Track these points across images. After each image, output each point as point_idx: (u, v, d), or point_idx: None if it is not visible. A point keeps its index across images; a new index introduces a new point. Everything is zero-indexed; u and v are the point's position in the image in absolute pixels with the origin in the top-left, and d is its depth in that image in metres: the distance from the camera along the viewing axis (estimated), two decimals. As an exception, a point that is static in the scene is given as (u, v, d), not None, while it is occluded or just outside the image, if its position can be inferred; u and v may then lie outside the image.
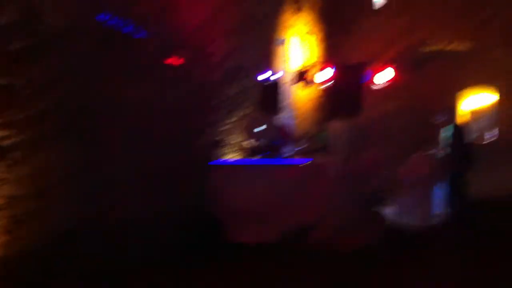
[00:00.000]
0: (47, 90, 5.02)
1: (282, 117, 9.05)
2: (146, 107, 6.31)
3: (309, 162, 7.75)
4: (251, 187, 7.17)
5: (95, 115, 5.60)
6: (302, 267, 6.18)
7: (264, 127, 7.81)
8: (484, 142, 13.63)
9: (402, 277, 5.79)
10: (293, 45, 10.46)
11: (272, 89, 8.34)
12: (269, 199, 7.06)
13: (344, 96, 8.72)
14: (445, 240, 7.43)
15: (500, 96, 14.72)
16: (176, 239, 6.25)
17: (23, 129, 4.80)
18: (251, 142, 8.21)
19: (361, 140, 9.80)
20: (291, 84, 10.22)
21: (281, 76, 8.56)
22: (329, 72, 9.12)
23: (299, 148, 8.97)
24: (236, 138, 8.43)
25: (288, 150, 8.55)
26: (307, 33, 11.22)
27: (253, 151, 8.11)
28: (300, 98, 10.89)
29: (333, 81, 9.03)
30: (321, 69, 9.35)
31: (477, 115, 14.43)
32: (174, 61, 6.96)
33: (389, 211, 8.78)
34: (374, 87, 9.99)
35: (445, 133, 8.76)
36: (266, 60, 9.43)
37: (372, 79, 9.43)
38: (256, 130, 8.01)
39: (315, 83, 9.61)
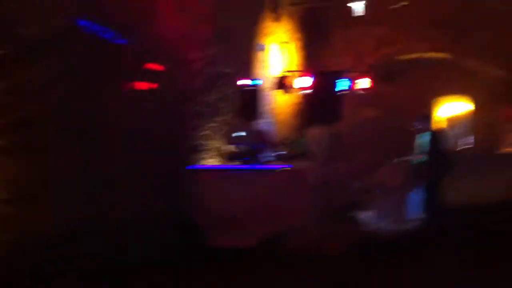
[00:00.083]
0: (30, 96, 5.03)
1: (262, 123, 9.12)
2: (125, 113, 6.32)
3: (288, 168, 7.82)
4: (230, 192, 7.19)
5: (73, 121, 5.60)
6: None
7: (243, 132, 7.87)
8: (459, 150, 13.91)
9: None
10: (273, 52, 10.57)
11: (252, 95, 8.40)
12: (247, 204, 7.09)
13: (323, 103, 8.83)
14: (427, 244, 7.44)
15: (475, 105, 15.06)
16: (156, 244, 6.24)
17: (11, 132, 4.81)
18: (231, 148, 8.25)
19: (339, 147, 9.93)
20: (271, 91, 10.32)
21: (261, 83, 8.64)
22: (308, 79, 9.22)
23: (278, 154, 9.04)
24: (215, 143, 8.47)
25: (267, 156, 8.61)
26: (287, 40, 11.34)
27: (232, 157, 8.15)
28: (280, 105, 10.99)
29: (311, 88, 9.13)
30: (300, 76, 9.46)
31: (452, 123, 14.74)
32: (154, 67, 6.99)
33: (365, 216, 8.91)
34: (352, 95, 10.14)
35: (422, 140, 8.91)
36: (246, 66, 9.51)
37: (350, 87, 9.57)
38: (235, 135, 8.06)
39: (294, 89, 9.71)
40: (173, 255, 6.11)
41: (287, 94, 10.56)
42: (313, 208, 7.55)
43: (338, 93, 8.98)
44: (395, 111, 13.44)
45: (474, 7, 12.25)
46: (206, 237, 6.94)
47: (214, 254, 6.51)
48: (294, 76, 9.62)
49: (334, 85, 8.98)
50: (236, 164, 7.94)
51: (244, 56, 9.58)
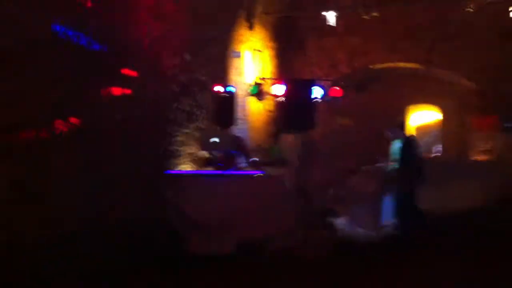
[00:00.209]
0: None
1: (236, 130, 9.15)
2: (99, 118, 6.28)
3: (262, 174, 7.85)
4: (204, 198, 7.17)
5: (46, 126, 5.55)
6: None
7: (218, 139, 7.88)
8: (430, 157, 14.13)
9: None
10: (248, 60, 10.63)
11: (226, 102, 8.43)
12: (221, 210, 7.08)
13: (297, 111, 8.89)
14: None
15: (445, 114, 15.35)
16: (131, 250, 6.18)
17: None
18: (206, 153, 8.26)
19: (313, 154, 10.01)
20: (245, 98, 10.37)
21: (235, 90, 8.69)
22: (281, 87, 9.29)
23: (252, 160, 9.08)
24: (190, 149, 8.47)
25: (242, 162, 8.64)
26: (261, 48, 11.43)
27: (207, 163, 8.16)
28: (254, 112, 11.05)
29: (285, 96, 9.20)
30: (274, 84, 9.52)
31: (423, 131, 14.99)
32: (129, 74, 6.97)
33: (341, 221, 8.99)
34: (326, 103, 10.24)
35: (395, 147, 9.02)
36: (221, 73, 9.55)
37: (324, 95, 9.66)
38: (210, 142, 8.07)
39: (268, 97, 9.78)
40: (151, 261, 6.06)
41: (261, 101, 10.63)
42: (288, 214, 7.58)
43: (312, 101, 9.05)
44: (367, 119, 13.63)
45: (445, 19, 12.53)
46: (183, 243, 6.89)
47: (191, 261, 6.47)
48: (268, 84, 9.69)
49: (308, 93, 9.03)
50: (210, 170, 7.94)
51: (218, 63, 9.62)
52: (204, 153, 8.30)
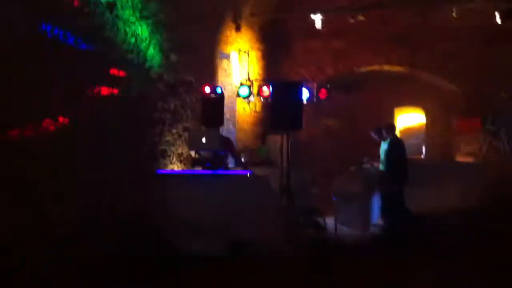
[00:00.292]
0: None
1: (224, 130, 9.18)
2: (87, 118, 6.27)
3: (250, 174, 7.88)
4: (192, 198, 7.19)
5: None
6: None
7: (206, 139, 7.89)
8: (415, 159, 14.25)
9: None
10: (235, 61, 10.68)
11: (214, 102, 8.45)
12: (210, 209, 7.10)
13: (284, 112, 8.93)
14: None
15: (428, 116, 15.53)
16: (119, 250, 6.16)
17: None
18: (194, 154, 8.27)
19: (300, 155, 10.07)
20: (233, 98, 10.40)
21: (222, 90, 8.72)
22: (269, 88, 9.34)
23: (241, 160, 9.11)
24: (178, 149, 8.48)
25: (229, 162, 8.67)
26: (249, 50, 11.48)
27: (194, 163, 8.17)
28: (242, 112, 11.10)
29: (273, 97, 9.24)
30: (262, 85, 9.57)
31: (408, 133, 15.13)
32: (116, 73, 6.96)
33: (327, 221, 9.03)
34: (312, 105, 10.30)
35: (380, 148, 9.13)
36: (209, 74, 9.58)
37: (310, 96, 9.72)
38: (197, 142, 8.07)
39: (256, 98, 9.82)
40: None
41: (248, 102, 10.67)
42: (274, 214, 7.62)
43: (299, 102, 9.10)
44: (353, 121, 13.75)
45: (430, 22, 12.71)
46: (171, 243, 6.87)
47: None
48: (256, 85, 9.74)
49: (294, 95, 9.08)
50: (198, 170, 7.96)
51: (206, 64, 9.65)
52: (192, 154, 8.31)
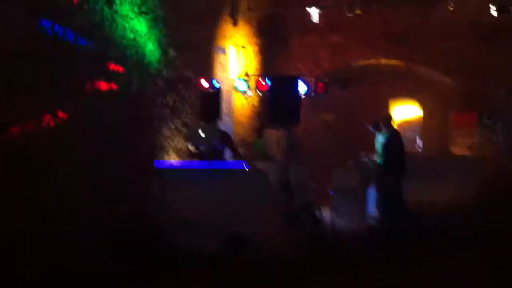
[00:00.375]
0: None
1: (222, 124, 9.23)
2: (85, 114, 6.30)
3: (248, 168, 7.94)
4: (191, 192, 7.21)
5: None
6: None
7: (203, 133, 7.95)
8: (411, 152, 14.33)
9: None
10: (232, 55, 10.72)
11: (213, 96, 8.51)
12: (210, 203, 7.12)
13: (281, 106, 8.99)
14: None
15: (425, 110, 15.59)
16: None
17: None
18: (191, 148, 8.33)
19: (297, 149, 10.13)
20: (231, 93, 10.45)
21: (220, 85, 8.77)
22: (266, 82, 9.39)
23: (239, 154, 9.16)
24: (177, 143, 8.53)
25: (227, 156, 8.72)
26: (246, 44, 11.52)
27: (194, 156, 8.24)
28: (239, 106, 11.14)
29: (270, 91, 9.30)
30: (259, 79, 9.61)
31: (405, 127, 15.19)
32: (115, 69, 6.99)
33: (324, 215, 9.12)
34: (309, 99, 10.37)
35: (377, 142, 9.16)
36: (207, 68, 9.62)
37: (308, 91, 9.78)
38: (196, 136, 8.14)
39: (253, 92, 9.88)
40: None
41: (246, 97, 10.72)
42: (272, 207, 7.68)
43: (296, 97, 9.16)
44: (350, 115, 13.80)
45: (427, 17, 12.76)
46: (170, 239, 6.89)
47: (179, 261, 6.41)
48: (253, 79, 9.78)
49: (292, 89, 9.15)
50: (198, 163, 8.01)
51: (203, 59, 9.69)
52: (190, 148, 8.37)
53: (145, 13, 7.63)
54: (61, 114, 5.87)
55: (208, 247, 6.73)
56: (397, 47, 13.30)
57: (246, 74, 10.21)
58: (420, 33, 12.98)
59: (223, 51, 10.41)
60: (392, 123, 9.20)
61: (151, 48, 7.89)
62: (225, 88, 9.87)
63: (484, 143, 12.05)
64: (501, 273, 5.95)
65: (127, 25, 7.20)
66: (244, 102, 11.29)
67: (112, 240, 6.12)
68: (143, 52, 7.69)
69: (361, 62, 13.80)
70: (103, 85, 6.76)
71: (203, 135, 7.88)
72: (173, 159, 8.39)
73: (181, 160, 8.49)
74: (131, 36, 7.30)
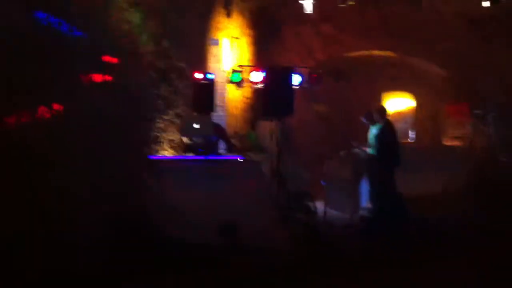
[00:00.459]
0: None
1: (215, 116, 9.24)
2: (79, 105, 6.30)
3: (242, 159, 7.98)
4: (186, 183, 7.25)
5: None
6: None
7: (197, 125, 7.96)
8: (404, 143, 14.44)
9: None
10: (226, 47, 10.71)
11: (206, 88, 8.50)
12: (204, 194, 7.16)
13: (274, 98, 9.00)
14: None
15: (417, 101, 15.68)
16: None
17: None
18: (185, 140, 8.35)
19: (290, 140, 10.18)
20: (224, 84, 10.45)
21: (213, 76, 8.77)
22: (260, 73, 9.39)
23: (233, 146, 9.19)
24: (171, 135, 8.55)
25: (221, 148, 8.75)
26: (239, 35, 11.50)
27: (186, 148, 8.25)
28: (232, 98, 11.15)
29: (264, 83, 9.31)
30: (253, 71, 9.61)
31: (397, 118, 15.28)
32: (108, 60, 6.98)
33: (317, 205, 9.19)
34: (302, 90, 10.38)
35: (371, 132, 9.19)
36: (200, 60, 9.62)
37: (301, 82, 9.80)
38: (189, 128, 8.15)
39: (246, 84, 9.88)
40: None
41: (239, 88, 10.72)
42: (266, 198, 7.73)
43: (290, 88, 9.18)
44: (343, 106, 13.86)
45: (418, 8, 12.78)
46: (166, 232, 6.89)
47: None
48: (247, 71, 9.78)
49: (286, 80, 9.15)
50: (191, 155, 8.04)
51: (197, 50, 9.68)
52: (184, 139, 8.39)
53: (138, 4, 7.61)
54: (56, 106, 5.88)
55: (200, 234, 6.73)
56: (389, 38, 13.34)
57: (240, 66, 10.20)
58: (411, 23, 13.01)
59: (217, 42, 10.39)
60: (385, 113, 9.18)
61: (144, 40, 7.88)
62: (218, 80, 9.87)
63: (476, 134, 12.14)
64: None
65: (120, 16, 7.18)
66: (237, 93, 11.30)
67: (111, 233, 6.13)
68: (137, 43, 7.68)
69: (354, 53, 13.84)
70: (97, 76, 6.76)
71: (197, 127, 7.89)
72: (166, 152, 8.41)
73: (174, 154, 8.51)
74: (125, 27, 7.29)
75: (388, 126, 9.02)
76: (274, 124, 9.22)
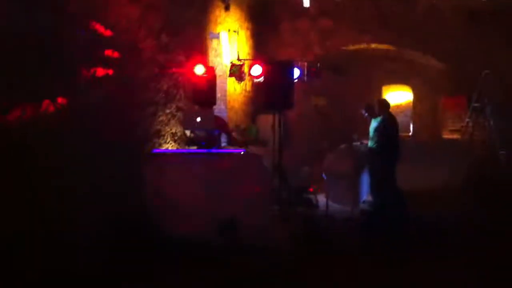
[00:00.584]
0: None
1: (215, 110, 9.24)
2: (82, 99, 6.28)
3: (243, 152, 7.98)
4: (186, 176, 7.24)
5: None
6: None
7: (198, 119, 7.96)
8: (402, 136, 14.49)
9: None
10: (225, 41, 10.69)
11: (207, 82, 8.49)
12: (205, 187, 7.16)
13: (274, 91, 9.00)
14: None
15: (415, 94, 15.74)
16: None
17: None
18: (186, 133, 8.35)
19: (291, 133, 10.20)
20: (224, 78, 10.45)
21: (215, 70, 8.76)
22: (260, 67, 9.39)
23: (234, 139, 9.20)
24: (172, 129, 8.54)
25: (222, 141, 8.75)
26: (238, 29, 11.49)
27: (187, 142, 8.25)
28: (232, 92, 11.15)
29: (264, 77, 9.31)
30: (252, 64, 9.60)
31: (396, 111, 15.33)
32: (107, 55, 6.96)
33: (318, 198, 9.21)
34: (301, 84, 10.39)
35: (371, 126, 9.21)
36: (200, 54, 9.60)
37: (300, 76, 9.80)
38: (190, 121, 8.14)
39: (247, 77, 9.87)
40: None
41: (239, 82, 10.72)
42: (267, 191, 7.74)
43: (290, 82, 9.18)
44: (342, 99, 13.89)
45: (416, 1, 12.82)
46: (163, 225, 6.87)
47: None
48: (246, 64, 9.78)
49: (285, 74, 9.15)
50: (192, 149, 8.04)
51: (196, 44, 9.66)
52: (186, 133, 8.39)
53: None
54: (56, 105, 5.86)
55: (204, 234, 6.76)
56: (388, 32, 13.38)
57: (240, 59, 10.19)
58: (409, 17, 13.04)
59: (216, 36, 10.38)
60: (388, 106, 9.14)
61: (144, 34, 7.85)
62: (218, 74, 9.86)
63: (474, 127, 12.19)
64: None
65: (120, 11, 7.16)
66: (237, 87, 11.30)
67: (111, 233, 6.12)
68: (137, 38, 7.66)
69: (352, 47, 13.85)
70: (98, 71, 6.75)
71: (199, 120, 7.88)
72: (168, 145, 8.41)
73: (177, 148, 8.51)
74: (125, 22, 7.26)
75: (389, 119, 9.01)
76: (274, 117, 9.22)
